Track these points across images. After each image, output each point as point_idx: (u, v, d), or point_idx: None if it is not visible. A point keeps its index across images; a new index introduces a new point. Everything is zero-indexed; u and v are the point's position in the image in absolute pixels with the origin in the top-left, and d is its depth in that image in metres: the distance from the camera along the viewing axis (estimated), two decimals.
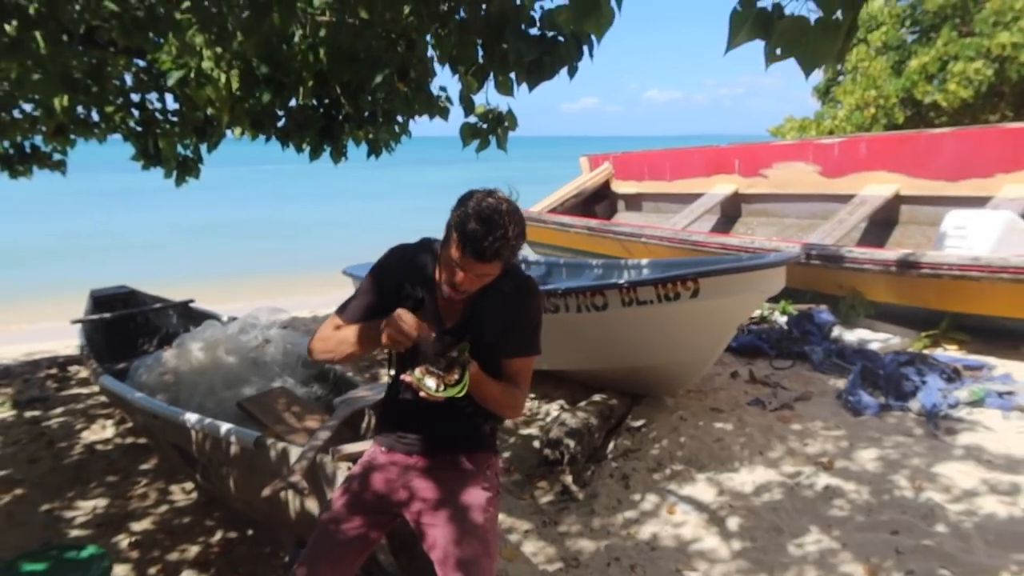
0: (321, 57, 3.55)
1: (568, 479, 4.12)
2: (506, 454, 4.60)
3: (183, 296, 6.45)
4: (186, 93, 4.38)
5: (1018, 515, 3.60)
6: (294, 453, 2.74)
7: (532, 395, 5.49)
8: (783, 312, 6.99)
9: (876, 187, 8.16)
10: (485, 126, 3.42)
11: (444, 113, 3.79)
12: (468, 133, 3.44)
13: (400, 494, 2.20)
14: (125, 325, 6.50)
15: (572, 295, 4.61)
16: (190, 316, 6.24)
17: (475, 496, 2.17)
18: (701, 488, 4.05)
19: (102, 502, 4.05)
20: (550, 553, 3.55)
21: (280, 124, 5.05)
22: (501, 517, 3.83)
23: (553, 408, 5.19)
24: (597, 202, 11.51)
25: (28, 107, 5.87)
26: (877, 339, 6.13)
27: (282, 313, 4.84)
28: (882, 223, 8.25)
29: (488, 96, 3.30)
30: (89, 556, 2.70)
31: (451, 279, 2.03)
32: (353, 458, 2.51)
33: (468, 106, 3.30)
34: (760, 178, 9.51)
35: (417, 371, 1.98)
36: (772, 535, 3.59)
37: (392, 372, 2.27)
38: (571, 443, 4.22)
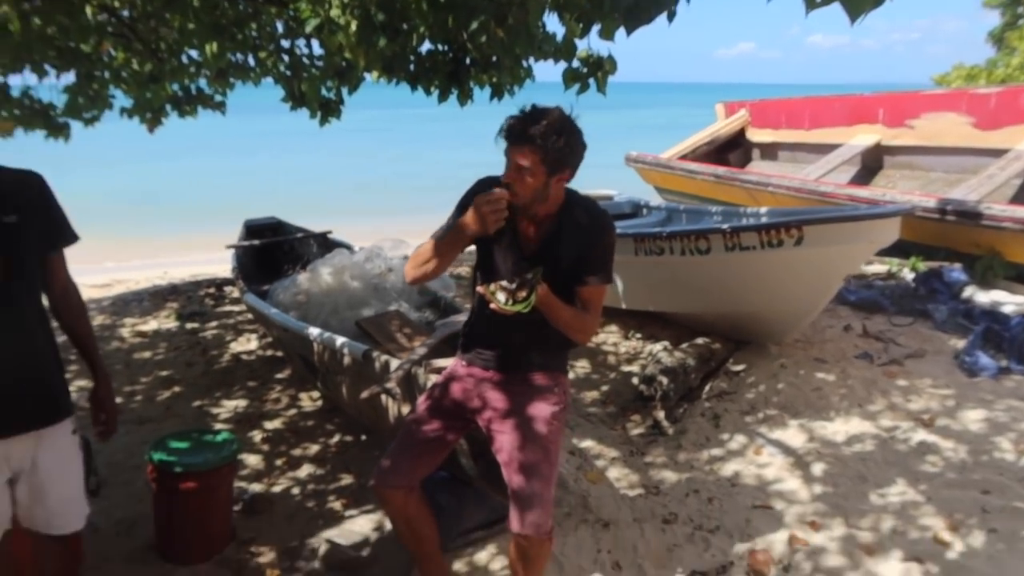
0: (424, 5, 3.76)
1: (660, 414, 4.29)
2: (604, 388, 4.82)
3: (323, 228, 6.99)
4: (323, 39, 4.76)
5: None
6: (394, 364, 3.07)
7: (638, 335, 5.65)
8: (913, 269, 6.72)
9: None
10: (586, 70, 3.56)
11: (546, 56, 3.94)
12: (570, 77, 3.59)
13: (474, 402, 2.47)
14: (272, 252, 7.14)
15: (676, 238, 4.70)
16: (328, 245, 6.77)
17: (541, 409, 2.41)
18: (791, 434, 4.11)
19: (242, 403, 4.62)
20: (633, 480, 3.76)
21: (410, 68, 5.36)
22: (589, 444, 4.08)
23: (657, 348, 5.33)
24: (731, 150, 11.26)
25: (194, 53, 6.52)
26: (1013, 302, 5.81)
27: (405, 245, 5.20)
28: None
29: (590, 42, 3.44)
30: (223, 440, 3.17)
31: (502, 177, 2.24)
32: (441, 371, 2.80)
33: (569, 51, 3.45)
34: (906, 129, 9.00)
35: (492, 285, 2.21)
36: (855, 483, 3.63)
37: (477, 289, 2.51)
38: (665, 380, 4.37)
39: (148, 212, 15.35)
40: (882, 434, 4.05)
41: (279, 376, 5.00)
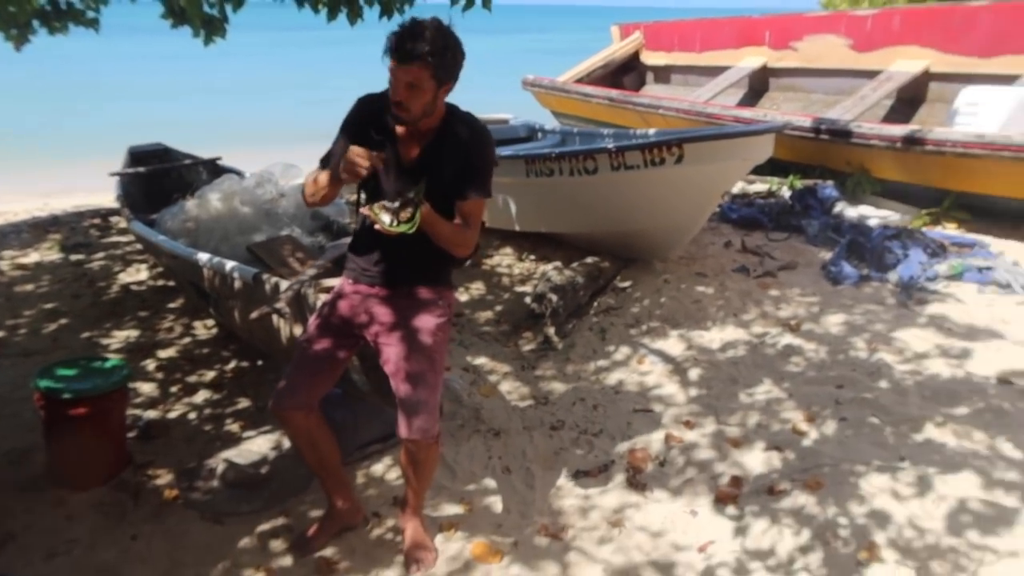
0: None
1: (550, 330, 4.48)
2: (498, 308, 4.98)
3: (212, 154, 6.78)
4: None
5: (960, 375, 3.89)
6: (284, 286, 3.11)
7: (531, 256, 5.82)
8: (791, 187, 7.10)
9: (905, 63, 7.99)
10: None
11: None
12: None
13: (361, 318, 2.56)
14: (159, 180, 6.88)
15: (565, 159, 4.83)
16: (217, 172, 6.57)
17: (426, 321, 2.52)
18: (672, 343, 4.38)
19: (134, 333, 4.56)
20: (523, 392, 3.96)
21: None
22: (483, 360, 4.25)
23: (549, 268, 5.51)
24: (625, 73, 11.40)
25: None
26: (878, 215, 6.26)
27: (296, 170, 5.14)
28: (909, 101, 8.13)
29: None
30: (112, 366, 3.16)
31: (390, 96, 2.30)
32: (330, 290, 2.86)
33: None
34: (790, 51, 9.33)
35: (375, 206, 2.26)
36: (727, 384, 3.94)
37: (360, 211, 2.57)
38: (554, 298, 4.56)
39: (23, 139, 14.38)
40: (753, 340, 4.37)
41: (171, 306, 4.93)
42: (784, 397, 3.79)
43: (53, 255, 6.09)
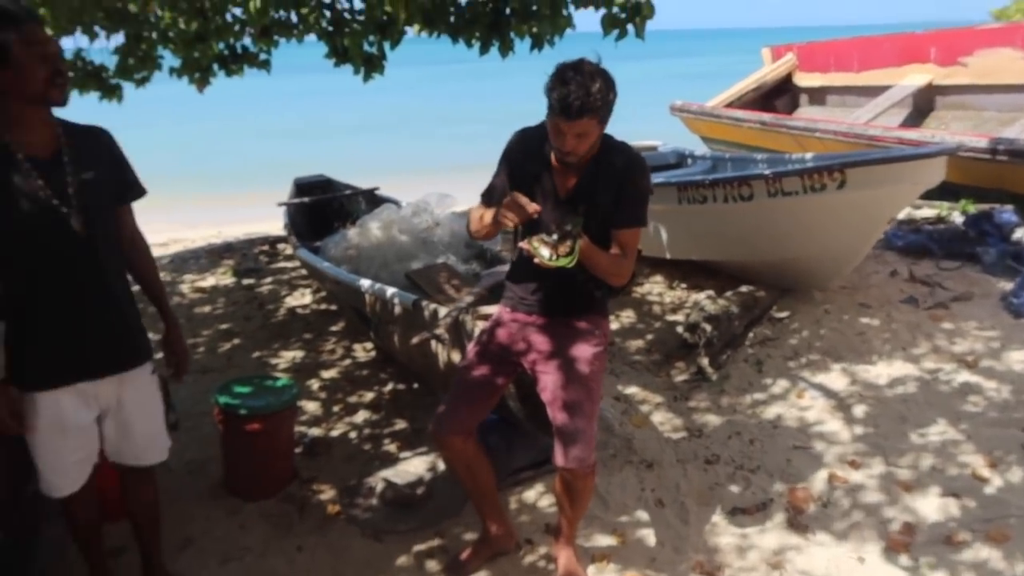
0: None
1: (703, 361, 4.36)
2: (649, 336, 4.91)
3: (371, 184, 7.13)
4: None
5: None
6: (442, 313, 3.20)
7: (683, 284, 5.71)
8: (963, 212, 6.60)
9: None
10: (624, 16, 3.58)
11: (585, 4, 3.95)
12: (608, 23, 3.62)
13: (519, 345, 2.59)
14: (322, 209, 7.32)
15: (719, 185, 4.72)
16: (375, 201, 6.92)
17: (583, 350, 2.51)
18: (834, 377, 4.16)
19: (299, 354, 4.83)
20: (676, 424, 3.87)
21: (450, 21, 5.40)
22: (634, 390, 4.19)
23: (701, 297, 5.38)
24: (778, 96, 11.05)
25: (238, 11, 6.63)
26: None
27: (450, 199, 5.31)
28: None
29: None
30: (283, 385, 3.35)
31: (557, 144, 2.32)
32: (488, 317, 2.92)
33: None
34: (959, 67, 8.73)
35: (534, 240, 2.29)
36: (896, 423, 3.69)
37: (519, 245, 2.62)
38: (708, 327, 4.44)
39: (201, 172, 15.68)
40: (925, 376, 4.08)
41: (333, 328, 5.19)
42: (962, 439, 3.50)
43: (227, 279, 6.57)
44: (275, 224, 8.87)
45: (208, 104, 8.05)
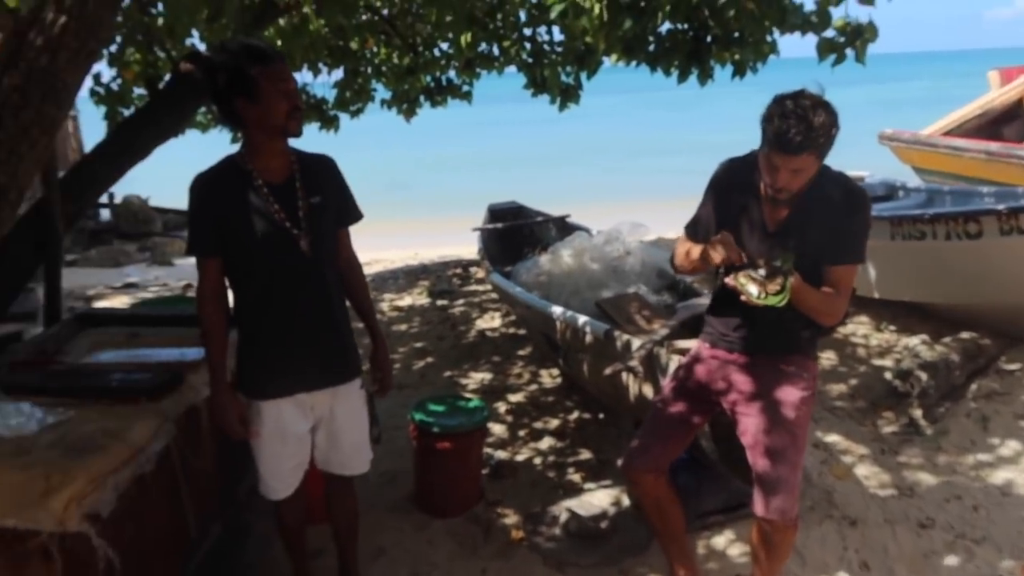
0: None
1: (916, 412, 3.98)
2: (853, 381, 4.55)
3: (562, 212, 7.21)
4: (567, 24, 4.91)
5: None
6: (635, 344, 3.13)
7: (891, 327, 5.26)
8: None
9: None
10: (843, 39, 3.38)
11: (793, 29, 3.77)
12: (825, 48, 3.43)
13: (719, 384, 2.46)
14: (513, 234, 7.50)
15: (941, 221, 4.31)
16: (566, 229, 6.98)
17: (789, 393, 2.35)
18: None
19: (488, 375, 4.92)
20: (883, 479, 3.54)
21: (649, 50, 5.37)
22: (835, 438, 3.89)
23: (914, 342, 4.93)
24: (1007, 123, 9.97)
25: (445, 45, 6.99)
26: None
27: (644, 229, 5.24)
28: None
29: (848, 8, 3.25)
30: (475, 407, 3.42)
31: (769, 179, 2.20)
32: (684, 352, 2.82)
33: (823, 20, 3.29)
34: None
35: (741, 276, 2.18)
36: None
37: (721, 274, 2.50)
38: (923, 376, 4.05)
39: (401, 197, 16.64)
40: None
41: (521, 353, 5.26)
42: None
43: (423, 299, 6.87)
44: (468, 248, 9.22)
45: (411, 133, 8.48)
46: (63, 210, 3.77)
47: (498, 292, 5.46)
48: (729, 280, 2.19)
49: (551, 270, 5.00)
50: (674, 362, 2.87)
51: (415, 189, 17.56)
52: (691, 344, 2.77)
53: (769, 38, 4.82)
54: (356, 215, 2.45)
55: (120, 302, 7.59)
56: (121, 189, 12.58)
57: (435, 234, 11.55)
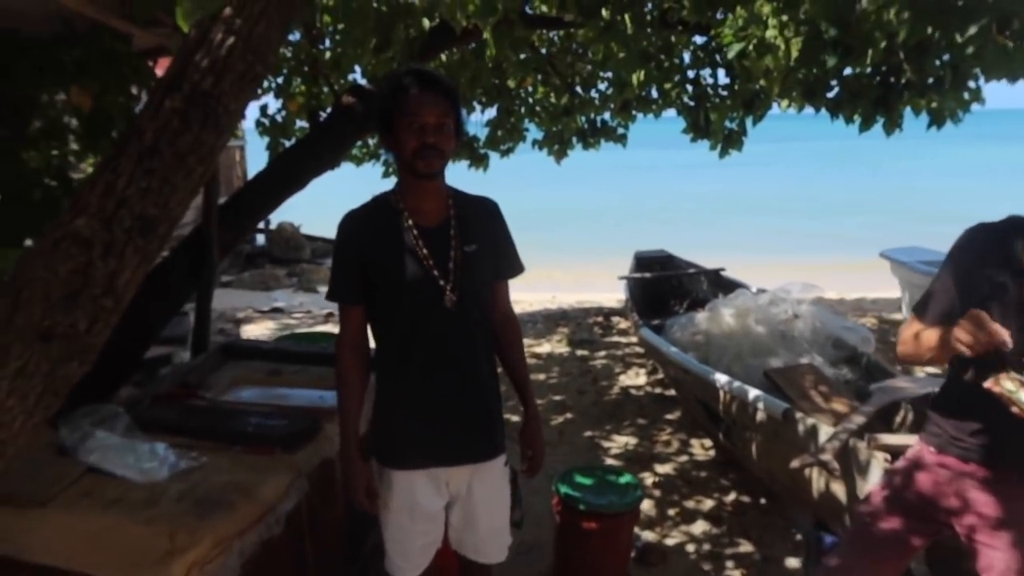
0: (893, 15, 3.30)
1: None
2: None
3: (714, 264, 6.75)
4: (743, 66, 4.54)
5: None
6: (824, 432, 2.68)
7: None
8: None
9: None
10: None
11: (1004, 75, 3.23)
12: None
13: (949, 501, 1.99)
14: (661, 285, 7.10)
15: None
16: (719, 283, 6.52)
17: None
18: None
19: (632, 440, 4.53)
20: None
21: (831, 94, 4.93)
22: None
23: None
24: None
25: (602, 86, 6.77)
26: None
27: (814, 290, 4.73)
28: None
29: None
30: (626, 483, 3.04)
31: None
32: (891, 450, 2.36)
33: None
34: None
35: (1007, 381, 1.70)
36: None
37: (955, 364, 2.03)
38: None
39: (542, 237, 16.53)
40: None
41: (669, 417, 4.84)
42: None
43: (562, 347, 6.56)
44: (608, 296, 8.89)
45: (557, 173, 8.25)
46: (220, 237, 3.74)
47: (647, 348, 5.08)
48: (990, 385, 1.73)
49: (709, 330, 4.58)
50: (877, 461, 2.41)
51: (558, 231, 17.39)
52: (901, 441, 2.31)
53: (973, 84, 4.32)
54: (517, 267, 2.17)
55: (265, 327, 7.74)
56: (275, 215, 13.12)
57: (576, 278, 11.30)
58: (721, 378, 3.53)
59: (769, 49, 3.87)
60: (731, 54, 4.32)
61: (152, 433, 2.40)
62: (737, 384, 3.40)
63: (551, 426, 4.78)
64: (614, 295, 8.69)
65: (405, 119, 1.89)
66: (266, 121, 5.65)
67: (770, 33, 3.76)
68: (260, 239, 14.61)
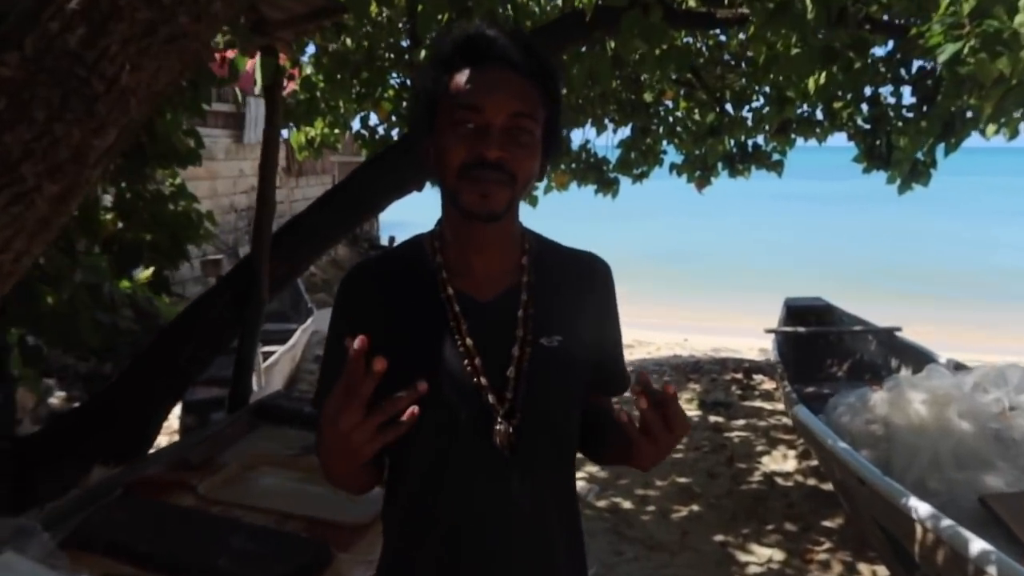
0: None
1: None
2: None
3: (888, 322, 5.55)
4: (954, 74, 3.46)
5: None
6: None
7: None
8: None
9: None
10: None
11: None
12: None
13: None
14: (816, 341, 5.96)
15: None
16: (893, 347, 5.33)
17: None
18: None
19: (777, 554, 3.48)
20: None
21: None
22: None
23: None
24: None
25: (757, 103, 5.74)
26: None
27: None
28: None
29: None
30: None
31: None
32: None
33: None
34: None
35: None
36: None
37: None
38: None
39: (675, 269, 15.35)
40: None
41: (827, 524, 3.74)
42: None
43: (692, 409, 5.53)
44: (749, 343, 7.75)
45: (698, 198, 7.14)
46: (273, 271, 3.07)
47: (802, 433, 4.01)
48: None
49: (891, 418, 3.49)
50: None
51: (694, 263, 16.11)
52: None
53: None
54: (622, 382, 1.29)
55: None
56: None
57: (712, 319, 10.13)
58: (920, 507, 2.48)
59: (1008, 46, 2.79)
60: (941, 57, 3.24)
61: (84, 557, 1.69)
62: (948, 524, 2.33)
63: (672, 521, 3.81)
64: (755, 342, 7.56)
65: (452, 112, 1.06)
66: (366, 133, 5.04)
67: (1020, 19, 2.68)
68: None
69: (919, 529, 2.49)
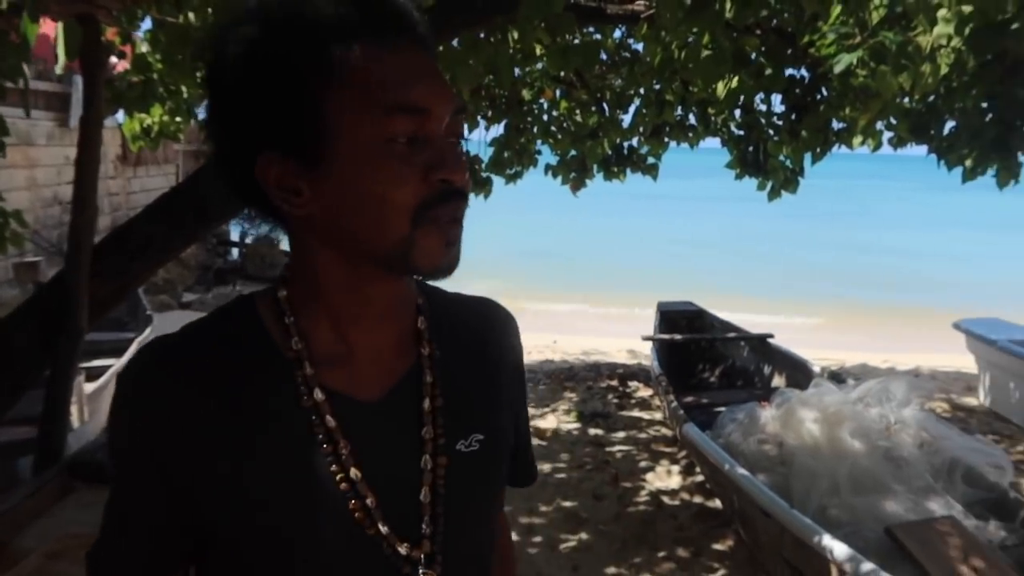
0: None
1: None
2: None
3: (760, 328, 5.57)
4: (846, 86, 3.39)
5: None
6: None
7: None
8: None
9: None
10: None
11: None
12: None
13: None
14: (688, 346, 5.92)
15: None
16: (766, 353, 5.33)
17: None
18: None
19: None
20: None
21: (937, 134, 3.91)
22: None
23: None
24: None
25: (636, 105, 5.61)
26: None
27: (926, 388, 3.53)
28: None
29: None
30: None
31: None
32: None
33: None
34: None
35: None
36: None
37: None
38: None
39: (540, 264, 15.26)
40: None
41: (718, 547, 3.59)
42: None
43: (570, 422, 5.32)
44: (619, 343, 7.68)
45: (566, 198, 6.91)
46: (94, 290, 2.52)
47: (693, 454, 3.86)
48: None
49: (783, 437, 3.38)
50: None
51: (559, 259, 16.09)
52: None
53: None
54: (532, 471, 0.97)
55: None
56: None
57: (578, 317, 10.07)
58: (837, 548, 2.31)
59: (911, 59, 2.69)
60: (837, 68, 3.14)
61: None
62: (870, 568, 2.17)
63: (560, 553, 3.53)
64: (624, 343, 7.50)
65: (374, 119, 0.66)
66: None
67: (939, 30, 2.56)
68: (235, 253, 13.44)
69: (834, 570, 2.33)
